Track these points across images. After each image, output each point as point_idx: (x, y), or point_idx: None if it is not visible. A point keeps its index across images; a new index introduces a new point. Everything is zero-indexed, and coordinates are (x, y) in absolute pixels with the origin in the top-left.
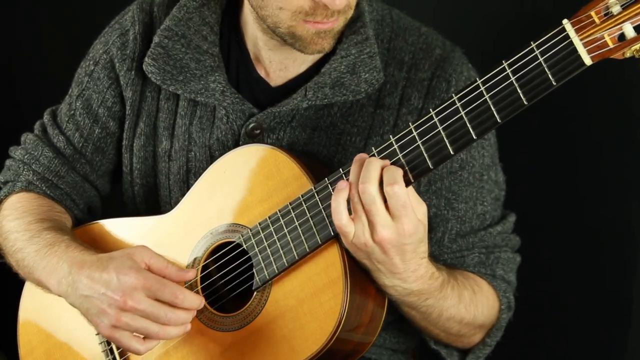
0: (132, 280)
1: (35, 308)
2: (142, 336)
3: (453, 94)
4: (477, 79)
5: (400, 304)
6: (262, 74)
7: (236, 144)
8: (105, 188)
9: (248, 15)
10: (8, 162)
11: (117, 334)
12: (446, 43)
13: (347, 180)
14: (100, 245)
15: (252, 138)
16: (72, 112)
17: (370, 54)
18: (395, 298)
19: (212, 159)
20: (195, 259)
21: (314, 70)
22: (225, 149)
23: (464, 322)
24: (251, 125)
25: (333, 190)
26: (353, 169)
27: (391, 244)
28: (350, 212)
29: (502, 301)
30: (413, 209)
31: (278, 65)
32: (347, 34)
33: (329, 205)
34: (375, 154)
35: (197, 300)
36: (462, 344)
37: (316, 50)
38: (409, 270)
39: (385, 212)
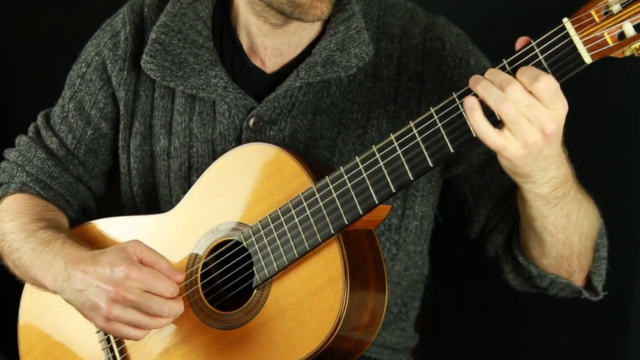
0: (124, 271)
1: (35, 306)
2: None
3: (453, 92)
4: None
5: (546, 210)
6: (257, 63)
7: (238, 138)
8: (99, 189)
9: (240, 4)
10: (3, 164)
11: (112, 326)
12: (429, 14)
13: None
14: (99, 244)
15: (255, 132)
16: (65, 114)
17: (357, 29)
18: (546, 197)
19: (214, 154)
20: (195, 256)
21: (307, 53)
22: (227, 143)
23: (593, 219)
24: (252, 120)
25: (333, 188)
26: (481, 86)
27: (556, 132)
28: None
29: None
30: None
31: (273, 52)
32: (334, 13)
33: (329, 203)
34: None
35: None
36: (582, 265)
37: (316, 17)
38: (559, 152)
39: (543, 106)
